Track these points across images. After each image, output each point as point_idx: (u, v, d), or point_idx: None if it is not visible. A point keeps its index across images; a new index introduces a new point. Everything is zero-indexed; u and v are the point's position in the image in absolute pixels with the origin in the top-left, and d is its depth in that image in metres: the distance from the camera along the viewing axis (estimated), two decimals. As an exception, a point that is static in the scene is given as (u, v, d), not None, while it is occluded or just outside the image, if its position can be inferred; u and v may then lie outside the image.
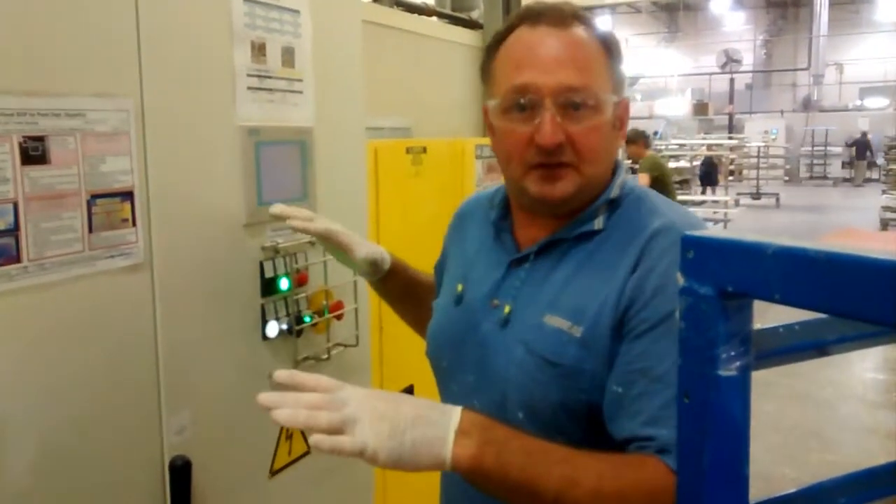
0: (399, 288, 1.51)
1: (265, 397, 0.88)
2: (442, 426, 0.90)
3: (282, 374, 0.92)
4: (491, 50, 1.17)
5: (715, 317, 0.61)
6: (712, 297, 0.61)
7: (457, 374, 1.20)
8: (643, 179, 7.42)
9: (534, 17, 1.11)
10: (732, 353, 0.62)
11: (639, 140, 7.95)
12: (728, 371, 0.62)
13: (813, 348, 0.68)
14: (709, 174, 16.43)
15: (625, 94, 1.16)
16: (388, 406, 0.89)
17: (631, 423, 0.98)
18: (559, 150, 1.07)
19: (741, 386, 0.62)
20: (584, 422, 1.05)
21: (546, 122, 1.06)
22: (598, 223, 1.13)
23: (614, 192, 1.15)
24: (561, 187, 1.10)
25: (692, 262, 0.62)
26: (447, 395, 1.24)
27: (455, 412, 0.92)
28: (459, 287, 1.24)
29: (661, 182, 7.47)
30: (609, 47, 1.13)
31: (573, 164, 1.09)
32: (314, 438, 0.85)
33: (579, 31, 1.10)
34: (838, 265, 0.54)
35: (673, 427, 0.93)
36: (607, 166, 1.16)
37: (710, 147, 17.00)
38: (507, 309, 1.14)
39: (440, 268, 1.45)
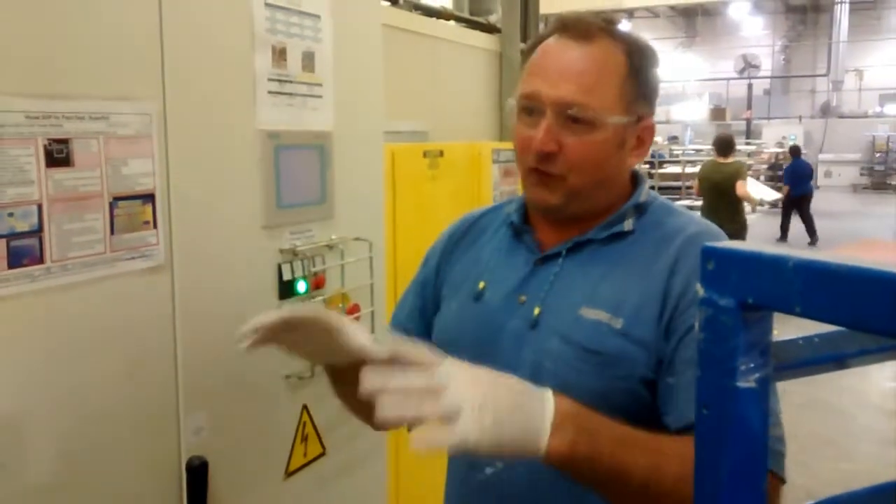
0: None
1: (369, 381, 0.84)
2: (538, 417, 0.90)
3: (382, 353, 0.90)
4: (526, 54, 1.22)
5: (735, 328, 0.61)
6: (732, 308, 0.61)
7: None
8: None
9: (562, 28, 1.16)
10: (752, 365, 0.61)
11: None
12: (747, 382, 0.61)
13: (832, 361, 0.67)
14: None
15: (649, 112, 1.18)
16: (487, 392, 0.87)
17: (688, 410, 0.99)
18: (550, 158, 1.12)
19: (760, 398, 0.62)
20: (621, 412, 1.05)
21: (541, 129, 1.11)
22: (628, 225, 1.17)
23: (642, 197, 1.20)
24: (549, 196, 1.15)
25: (712, 273, 0.62)
26: None
27: (548, 401, 0.92)
28: (481, 284, 1.22)
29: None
30: (635, 65, 1.14)
31: (561, 176, 1.13)
32: (415, 438, 0.83)
33: (601, 47, 1.13)
34: (859, 279, 0.54)
35: None
36: (602, 179, 1.16)
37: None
38: (536, 308, 1.14)
39: (428, 286, 1.32)
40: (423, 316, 1.32)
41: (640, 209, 1.19)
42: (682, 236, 1.12)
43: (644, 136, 1.19)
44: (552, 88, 1.11)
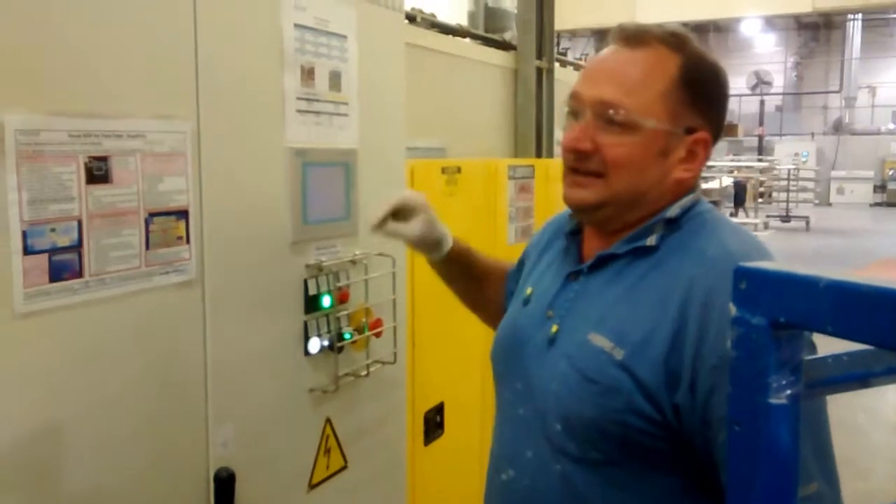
0: (458, 270, 1.52)
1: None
2: None
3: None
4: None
5: (767, 347, 0.63)
6: (764, 327, 0.63)
7: (509, 380, 1.23)
8: None
9: (616, 35, 1.16)
10: (783, 382, 0.63)
11: None
12: (779, 399, 0.63)
13: (860, 379, 0.69)
14: (737, 195, 16.84)
15: (704, 125, 1.14)
16: None
17: None
18: (585, 157, 1.12)
19: (791, 414, 0.64)
20: (617, 441, 1.07)
21: (576, 128, 1.13)
22: (651, 240, 1.12)
23: (673, 211, 1.14)
24: (580, 194, 1.15)
25: (745, 292, 0.64)
26: (500, 402, 1.27)
27: None
28: (529, 290, 1.27)
29: None
30: (689, 76, 1.12)
31: (601, 174, 1.12)
32: None
33: (652, 52, 1.12)
34: (889, 301, 0.56)
35: None
36: (641, 185, 1.13)
37: (739, 169, 17.20)
38: (554, 327, 1.16)
39: (514, 275, 1.46)
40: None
41: (672, 224, 1.14)
42: (697, 271, 1.06)
43: (696, 149, 1.14)
44: (591, 88, 1.13)
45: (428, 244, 1.43)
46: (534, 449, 1.14)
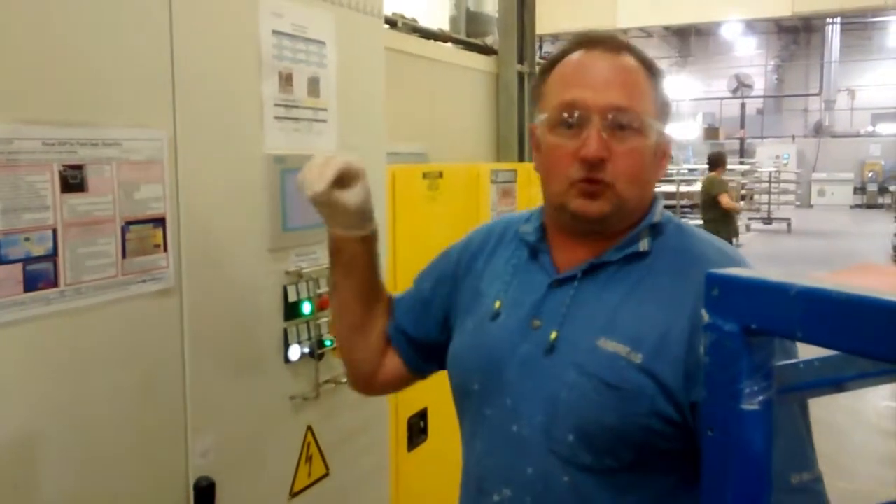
0: (368, 259, 1.29)
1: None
2: None
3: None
4: (545, 71, 1.20)
5: (738, 353, 0.63)
6: (736, 333, 0.63)
7: (492, 398, 1.17)
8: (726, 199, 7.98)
9: (589, 42, 1.16)
10: (755, 388, 0.64)
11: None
12: (751, 405, 0.64)
13: (832, 384, 0.70)
14: None
15: (666, 129, 1.18)
16: None
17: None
18: (601, 165, 1.10)
19: (763, 420, 0.64)
20: (636, 447, 1.07)
21: (592, 136, 1.09)
22: (644, 245, 1.14)
23: (656, 217, 1.17)
24: (598, 205, 1.12)
25: (717, 299, 0.65)
26: (479, 421, 1.20)
27: None
28: (497, 304, 1.20)
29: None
30: (656, 78, 1.17)
31: (611, 184, 1.11)
32: None
33: (630, 59, 1.15)
34: (857, 307, 0.56)
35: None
36: (645, 190, 1.16)
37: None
38: (553, 334, 1.12)
39: (412, 309, 1.36)
40: (425, 308, 1.33)
41: (656, 229, 1.16)
42: (704, 262, 1.08)
43: (667, 150, 1.18)
44: (599, 95, 1.10)
45: (362, 216, 1.23)
46: (535, 464, 1.11)
